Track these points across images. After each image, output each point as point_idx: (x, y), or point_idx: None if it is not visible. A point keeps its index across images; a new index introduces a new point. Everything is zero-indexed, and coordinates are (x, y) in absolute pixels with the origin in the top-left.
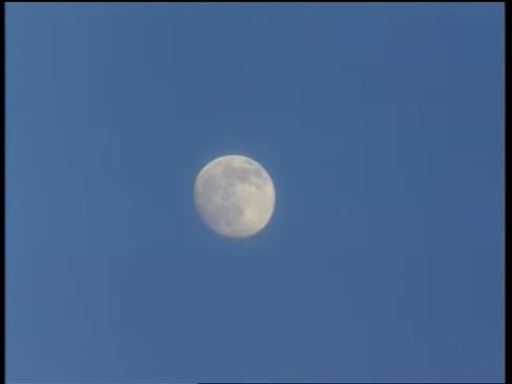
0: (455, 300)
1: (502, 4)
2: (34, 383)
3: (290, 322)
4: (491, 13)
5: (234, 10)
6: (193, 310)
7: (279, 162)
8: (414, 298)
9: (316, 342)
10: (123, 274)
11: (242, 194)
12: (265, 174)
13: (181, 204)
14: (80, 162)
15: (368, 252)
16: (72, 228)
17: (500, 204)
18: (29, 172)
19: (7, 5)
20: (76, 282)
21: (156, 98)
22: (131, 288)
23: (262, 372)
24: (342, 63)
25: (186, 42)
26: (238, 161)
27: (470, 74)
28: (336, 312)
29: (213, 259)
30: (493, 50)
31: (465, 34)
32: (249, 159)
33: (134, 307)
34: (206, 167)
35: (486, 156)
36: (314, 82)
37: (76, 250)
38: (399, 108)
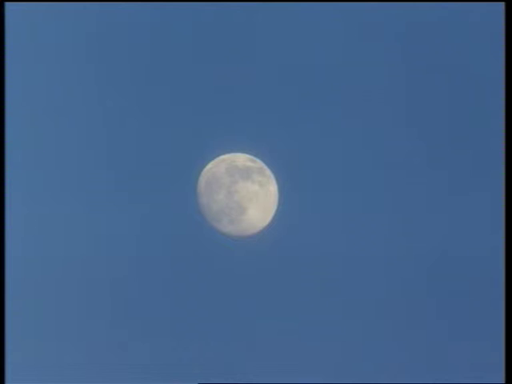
0: (455, 300)
1: (502, 4)
2: (33, 383)
3: (292, 321)
4: (491, 13)
5: (240, 9)
6: (194, 309)
7: (282, 160)
8: (414, 298)
9: (316, 341)
10: (125, 272)
11: (244, 192)
12: (268, 172)
13: (184, 202)
14: (80, 162)
15: (368, 252)
16: (72, 227)
17: (500, 205)
18: (29, 172)
19: (7, 5)
20: (77, 281)
21: (159, 95)
22: (133, 286)
23: (261, 372)
24: (345, 63)
25: (188, 40)
26: (241, 159)
27: (469, 74)
28: (337, 311)
29: (215, 257)
30: (493, 50)
31: (465, 34)
32: (252, 157)
33: (136, 306)
34: (209, 165)
35: (485, 158)
36: (318, 81)
37: (77, 248)
38: (400, 108)
